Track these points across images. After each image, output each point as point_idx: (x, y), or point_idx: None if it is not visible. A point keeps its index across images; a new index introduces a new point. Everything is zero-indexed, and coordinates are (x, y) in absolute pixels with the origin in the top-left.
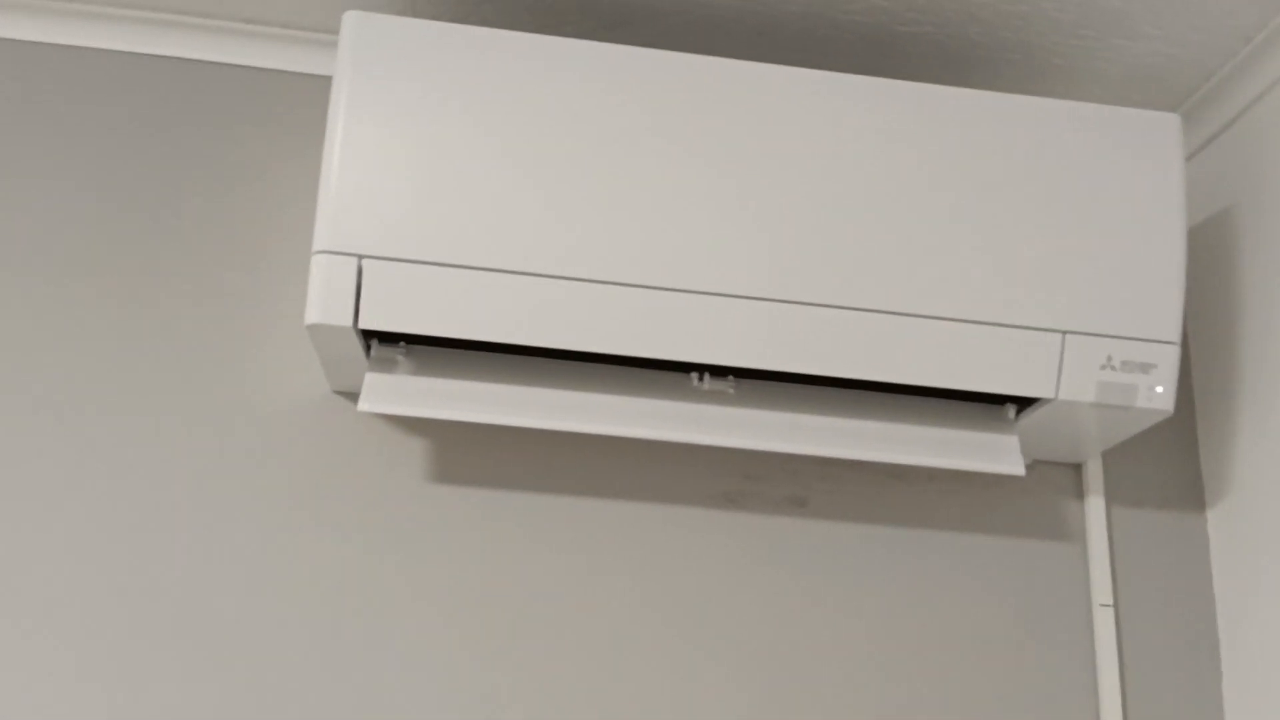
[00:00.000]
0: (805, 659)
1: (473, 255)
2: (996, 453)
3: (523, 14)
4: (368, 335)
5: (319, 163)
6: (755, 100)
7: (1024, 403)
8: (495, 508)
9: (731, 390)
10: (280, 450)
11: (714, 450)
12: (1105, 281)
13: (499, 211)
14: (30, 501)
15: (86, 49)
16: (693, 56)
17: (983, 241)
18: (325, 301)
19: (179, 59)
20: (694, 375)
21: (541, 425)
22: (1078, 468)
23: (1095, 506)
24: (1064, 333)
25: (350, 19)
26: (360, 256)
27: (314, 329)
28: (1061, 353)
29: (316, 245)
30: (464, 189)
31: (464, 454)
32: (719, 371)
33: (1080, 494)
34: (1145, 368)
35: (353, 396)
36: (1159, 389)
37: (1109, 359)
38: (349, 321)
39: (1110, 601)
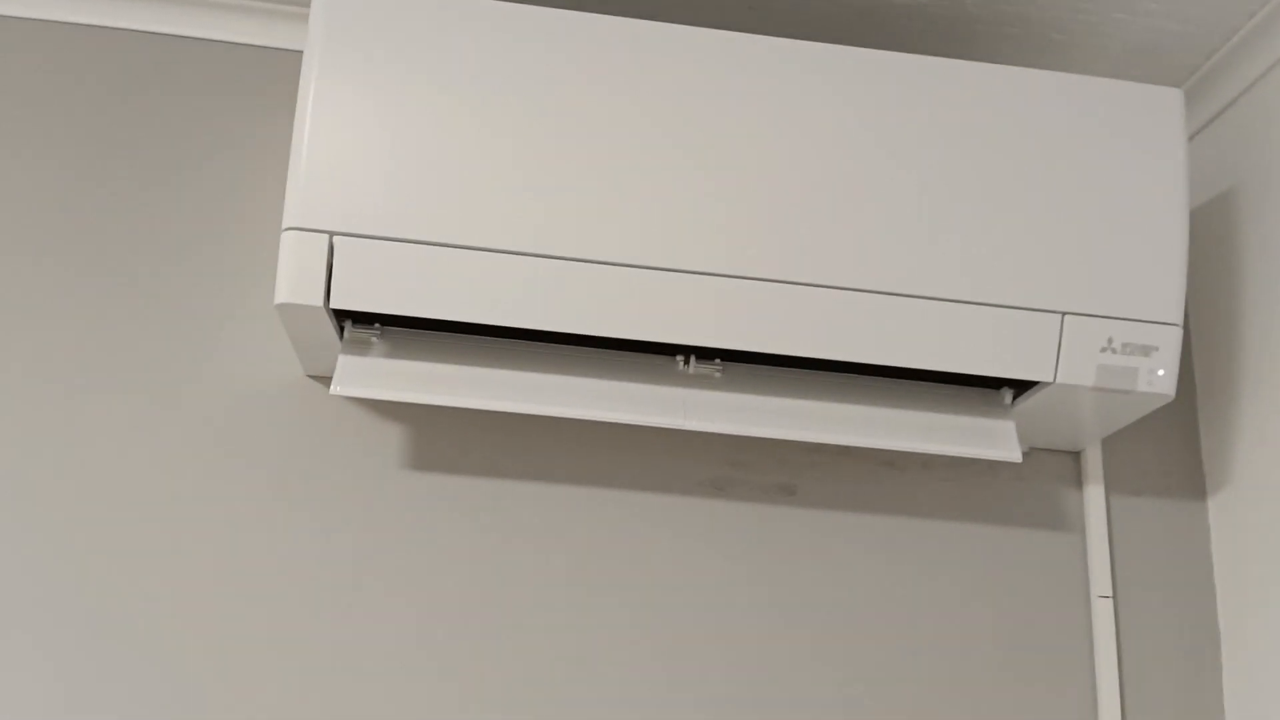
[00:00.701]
0: (794, 652)
1: (448, 232)
2: (992, 439)
3: None
4: (341, 316)
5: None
6: (743, 73)
7: (1021, 387)
8: (474, 495)
9: (718, 374)
10: (252, 436)
11: (700, 436)
12: (1105, 261)
13: (475, 187)
14: None
15: (54, 22)
16: (678, 27)
17: (979, 219)
18: (295, 280)
19: (150, 33)
20: (679, 358)
21: (521, 409)
22: (1076, 455)
23: (1094, 495)
24: (1063, 314)
25: None
26: (331, 234)
27: (283, 309)
28: (1060, 334)
29: (286, 222)
30: (439, 164)
31: (441, 439)
32: (705, 354)
33: (1079, 482)
34: (1146, 350)
35: (326, 381)
36: (1160, 372)
37: (1109, 341)
38: (320, 301)
39: (1109, 593)
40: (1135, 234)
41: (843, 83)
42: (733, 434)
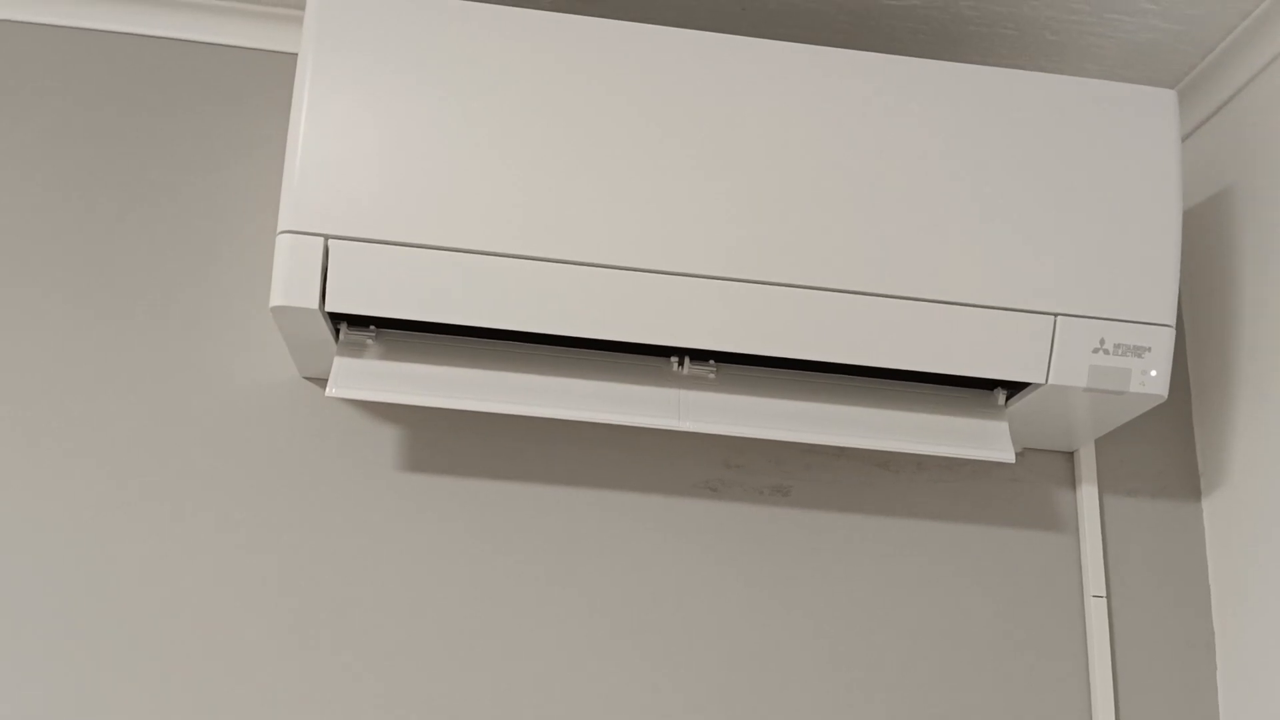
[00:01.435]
0: (788, 654)
1: (443, 235)
2: (986, 439)
3: None
4: (336, 319)
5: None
6: (735, 76)
7: (1014, 388)
8: (469, 497)
9: (712, 375)
10: (248, 437)
11: (694, 437)
12: (1098, 261)
13: (469, 190)
14: None
15: (47, 26)
16: (671, 30)
17: (971, 220)
18: (290, 283)
19: (144, 36)
20: (673, 360)
21: (516, 411)
22: (1070, 455)
23: (1088, 495)
24: (1055, 315)
25: None
26: (327, 237)
27: (279, 311)
28: (1053, 335)
29: (281, 225)
30: (433, 167)
31: (437, 441)
32: (699, 356)
33: (1072, 482)
34: (1139, 351)
35: (322, 382)
36: (1153, 373)
37: (1102, 342)
38: (315, 304)
39: (1103, 593)
40: (1128, 235)
41: (834, 85)
42: (727, 435)
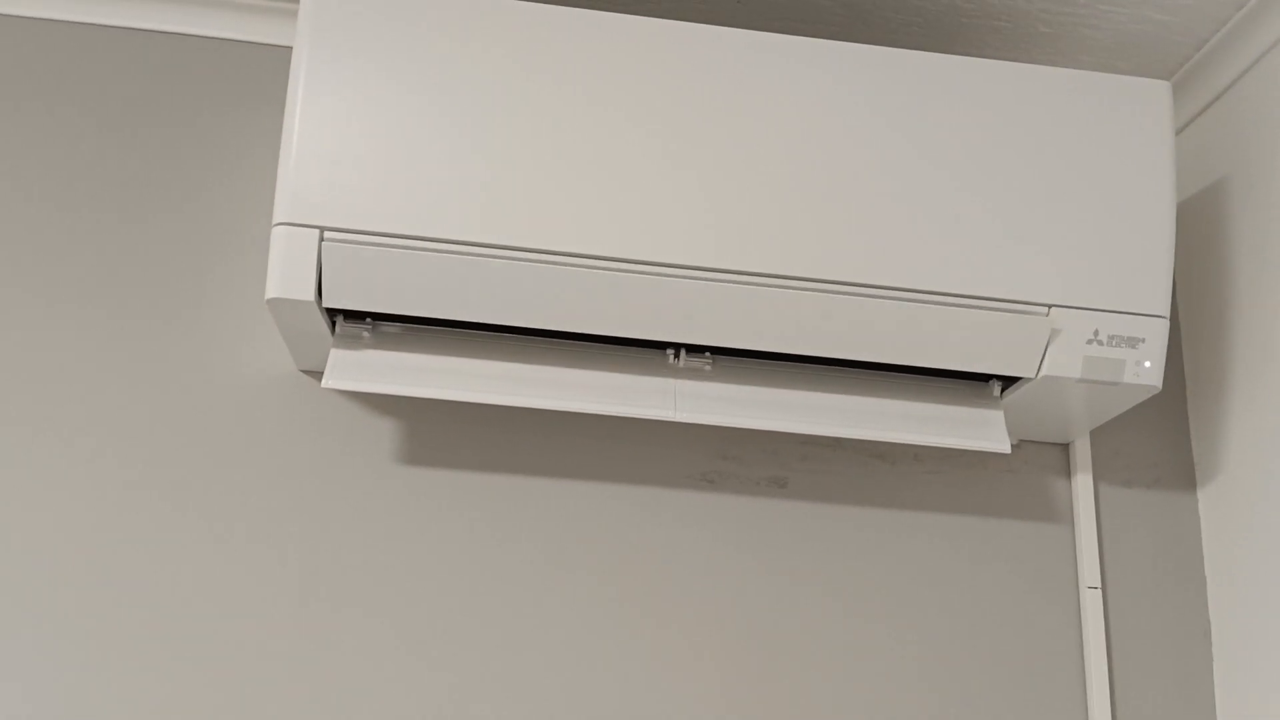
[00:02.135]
0: (785, 645)
1: (438, 228)
2: (981, 429)
3: None
4: (332, 311)
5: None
6: (730, 68)
7: (1009, 379)
8: (465, 488)
9: (708, 366)
10: (245, 430)
11: (690, 429)
12: (1092, 253)
13: (465, 183)
14: None
15: (42, 20)
16: (665, 22)
17: (965, 213)
18: (286, 275)
19: (139, 30)
20: (669, 351)
21: (512, 402)
22: (1065, 447)
23: (1083, 486)
24: (1049, 306)
25: None
26: (322, 229)
27: (274, 304)
28: (1047, 327)
29: (276, 217)
30: (428, 160)
31: (433, 433)
32: (695, 347)
33: (1068, 473)
34: (1133, 342)
35: (318, 375)
36: (1147, 364)
37: (1096, 333)
38: (310, 296)
39: (1098, 584)
40: (1122, 227)
41: (828, 77)
42: (723, 426)
